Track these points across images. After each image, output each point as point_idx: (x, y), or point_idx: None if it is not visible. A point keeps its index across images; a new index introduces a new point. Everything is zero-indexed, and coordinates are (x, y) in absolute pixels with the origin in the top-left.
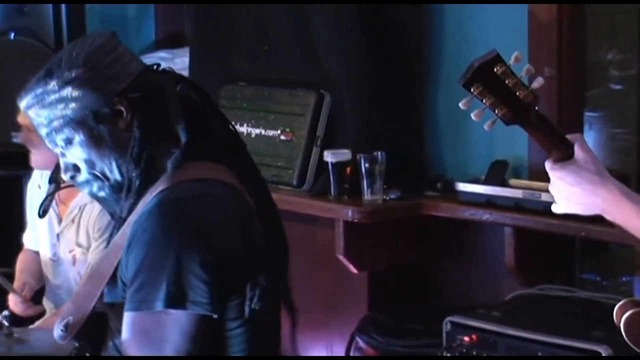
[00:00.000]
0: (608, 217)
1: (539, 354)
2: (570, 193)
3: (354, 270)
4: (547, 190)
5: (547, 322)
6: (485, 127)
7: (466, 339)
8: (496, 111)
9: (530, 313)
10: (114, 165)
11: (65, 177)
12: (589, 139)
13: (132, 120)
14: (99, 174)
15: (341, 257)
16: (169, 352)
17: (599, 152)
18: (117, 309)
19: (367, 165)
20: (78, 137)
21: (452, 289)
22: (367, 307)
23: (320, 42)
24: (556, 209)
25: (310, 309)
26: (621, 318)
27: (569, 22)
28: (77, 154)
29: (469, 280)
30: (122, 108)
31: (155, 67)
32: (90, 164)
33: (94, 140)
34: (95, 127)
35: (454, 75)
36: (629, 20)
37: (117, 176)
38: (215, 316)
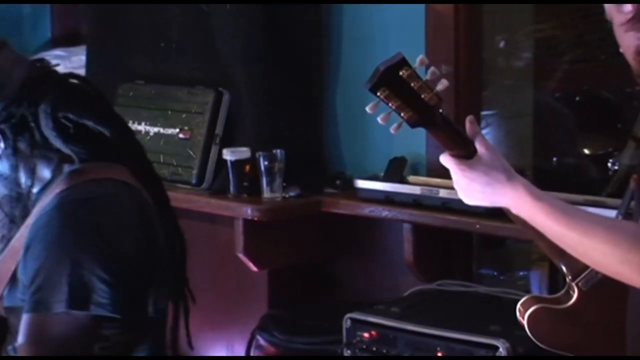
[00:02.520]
0: (514, 212)
1: (438, 348)
2: (481, 193)
3: (253, 268)
4: (445, 187)
5: (445, 317)
6: (392, 130)
7: (366, 335)
8: (402, 114)
9: (429, 308)
10: None
11: None
12: (486, 136)
13: None
14: None
15: (241, 256)
16: (69, 354)
17: (496, 147)
18: (17, 312)
19: (266, 163)
20: None
21: (352, 286)
22: (268, 305)
23: (219, 40)
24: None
25: (210, 308)
26: (524, 315)
27: (466, 21)
28: None
29: (368, 276)
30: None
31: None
32: None
33: None
34: None
35: (353, 73)
36: (525, 18)
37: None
38: (118, 317)
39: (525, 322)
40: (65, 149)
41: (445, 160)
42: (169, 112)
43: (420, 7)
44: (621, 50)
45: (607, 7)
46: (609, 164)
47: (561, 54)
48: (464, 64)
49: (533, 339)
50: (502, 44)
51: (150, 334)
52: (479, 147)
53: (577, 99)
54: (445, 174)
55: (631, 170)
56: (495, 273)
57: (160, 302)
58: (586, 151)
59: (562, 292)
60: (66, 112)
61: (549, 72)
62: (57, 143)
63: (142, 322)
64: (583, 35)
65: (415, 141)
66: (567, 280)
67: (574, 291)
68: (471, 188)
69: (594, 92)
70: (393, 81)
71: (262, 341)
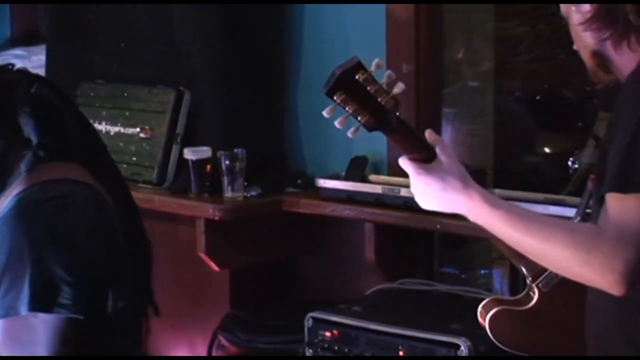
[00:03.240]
0: (471, 219)
1: (400, 347)
2: (436, 198)
3: (215, 268)
4: (406, 186)
5: (407, 316)
6: (349, 134)
7: (327, 334)
8: (359, 118)
9: (390, 307)
10: None
11: None
12: (447, 135)
13: None
14: None
15: (202, 255)
16: (41, 355)
17: (456, 147)
18: None
19: (227, 162)
20: None
21: (315, 285)
22: (230, 305)
23: (180, 39)
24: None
25: (172, 308)
26: (485, 317)
27: (426, 20)
28: None
29: (330, 275)
30: None
31: (9, 67)
32: None
33: None
34: None
35: (314, 73)
36: (485, 18)
37: None
38: (81, 318)
39: (486, 325)
40: (35, 139)
41: (404, 163)
42: (130, 112)
43: (381, 7)
44: (575, 47)
45: (564, 5)
46: (570, 163)
47: (522, 53)
48: (425, 64)
49: (495, 341)
50: (462, 44)
51: (118, 333)
52: (438, 152)
53: (538, 98)
54: (407, 173)
55: (591, 169)
56: (457, 272)
57: (121, 302)
58: (547, 150)
59: (523, 293)
60: (39, 113)
61: (510, 71)
62: (35, 139)
63: (105, 322)
64: (543, 34)
65: (376, 140)
66: (528, 282)
67: (534, 293)
68: (426, 192)
69: (555, 91)
70: (349, 85)
71: (224, 341)
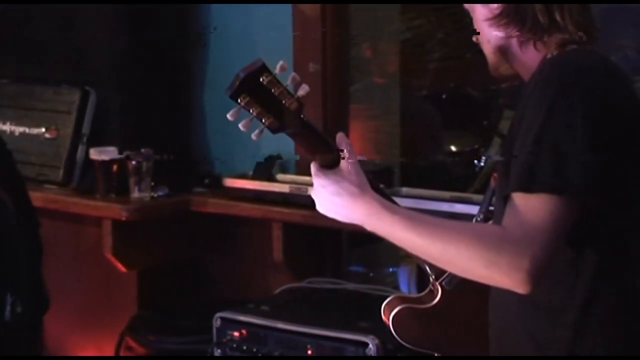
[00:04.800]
0: (369, 229)
1: (308, 346)
2: (330, 202)
3: (122, 268)
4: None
5: (315, 315)
6: (253, 136)
7: (236, 334)
8: (263, 121)
9: (299, 306)
10: None
11: None
12: (354, 132)
13: None
14: None
15: (109, 256)
16: None
17: (364, 145)
18: None
19: (134, 162)
20: None
21: (223, 285)
22: (137, 306)
23: (86, 39)
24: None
25: (79, 310)
26: (389, 315)
27: (333, 20)
28: None
29: (239, 275)
30: None
31: None
32: None
33: None
34: None
35: (221, 73)
36: (392, 15)
37: None
38: None
39: (390, 323)
40: None
41: (311, 165)
42: (35, 112)
43: (287, 7)
44: (476, 39)
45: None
46: (475, 161)
47: (428, 52)
48: (331, 62)
49: (398, 339)
50: (369, 43)
51: (18, 339)
52: (342, 158)
53: (444, 96)
54: None
55: (496, 167)
56: (365, 270)
57: (19, 307)
58: (453, 148)
59: (426, 291)
60: None
61: (416, 69)
62: None
63: (3, 329)
64: (449, 33)
65: (284, 140)
66: (431, 280)
67: (437, 291)
68: (320, 195)
69: (461, 89)
70: (253, 88)
71: (131, 342)
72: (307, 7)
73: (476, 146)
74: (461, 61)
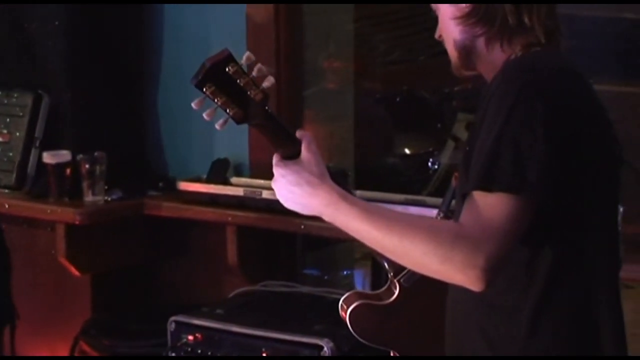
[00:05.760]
0: (327, 219)
1: (263, 349)
2: (289, 192)
3: (76, 272)
4: (268, 188)
5: (270, 318)
6: (217, 126)
7: (190, 337)
8: (228, 111)
9: (253, 309)
10: None
11: None
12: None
13: None
14: None
15: (63, 260)
16: None
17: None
18: None
19: (87, 166)
20: None
21: (178, 289)
22: (91, 310)
23: (37, 42)
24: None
25: (32, 314)
26: (346, 311)
27: (286, 22)
28: None
29: (193, 278)
30: None
31: None
32: None
33: None
34: None
35: (174, 75)
36: (345, 19)
37: None
38: None
39: (347, 318)
40: None
41: (274, 156)
42: None
43: (241, 7)
44: (438, 37)
45: None
46: (429, 164)
47: (381, 54)
48: (285, 66)
49: (354, 334)
50: (322, 46)
51: None
52: (302, 148)
53: (397, 99)
54: (268, 175)
55: (451, 169)
56: (320, 273)
57: None
58: (406, 151)
59: (384, 288)
60: None
61: (369, 72)
62: None
63: None
64: (403, 36)
65: (238, 142)
66: (389, 276)
67: (395, 288)
68: (280, 185)
69: (414, 92)
70: (219, 77)
71: (85, 346)
72: (260, 10)
73: (430, 149)
74: (414, 64)
